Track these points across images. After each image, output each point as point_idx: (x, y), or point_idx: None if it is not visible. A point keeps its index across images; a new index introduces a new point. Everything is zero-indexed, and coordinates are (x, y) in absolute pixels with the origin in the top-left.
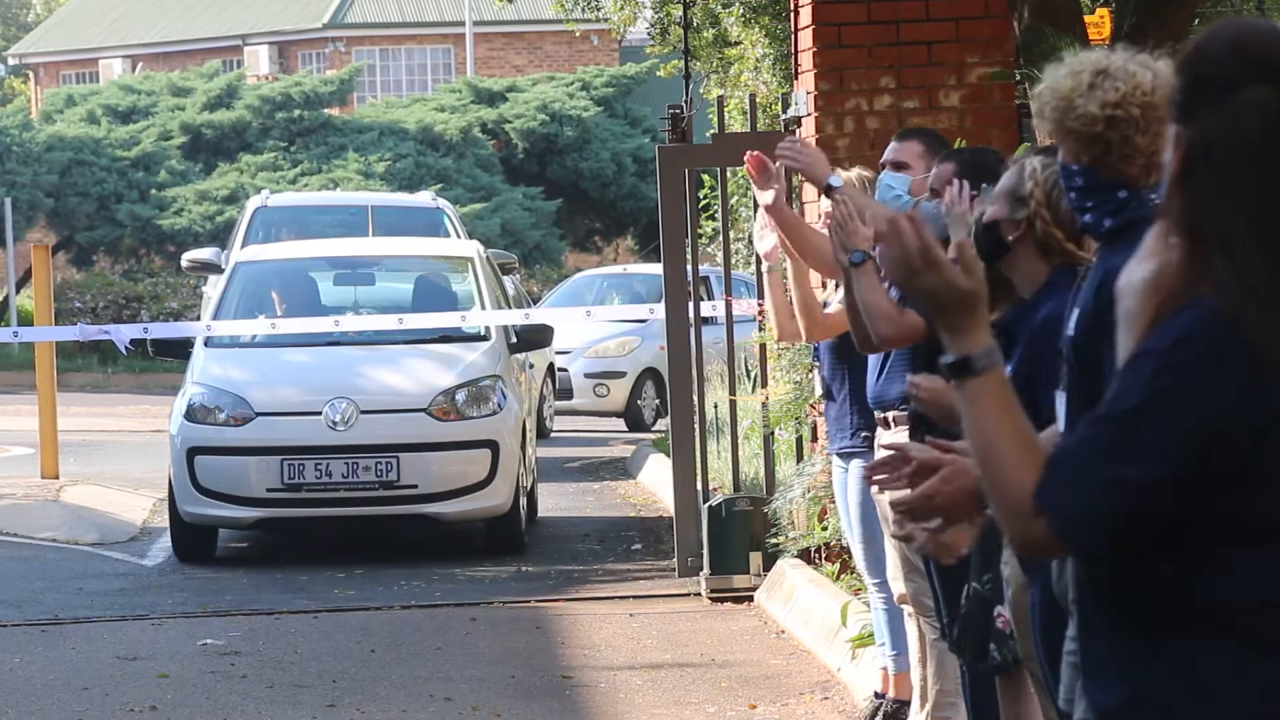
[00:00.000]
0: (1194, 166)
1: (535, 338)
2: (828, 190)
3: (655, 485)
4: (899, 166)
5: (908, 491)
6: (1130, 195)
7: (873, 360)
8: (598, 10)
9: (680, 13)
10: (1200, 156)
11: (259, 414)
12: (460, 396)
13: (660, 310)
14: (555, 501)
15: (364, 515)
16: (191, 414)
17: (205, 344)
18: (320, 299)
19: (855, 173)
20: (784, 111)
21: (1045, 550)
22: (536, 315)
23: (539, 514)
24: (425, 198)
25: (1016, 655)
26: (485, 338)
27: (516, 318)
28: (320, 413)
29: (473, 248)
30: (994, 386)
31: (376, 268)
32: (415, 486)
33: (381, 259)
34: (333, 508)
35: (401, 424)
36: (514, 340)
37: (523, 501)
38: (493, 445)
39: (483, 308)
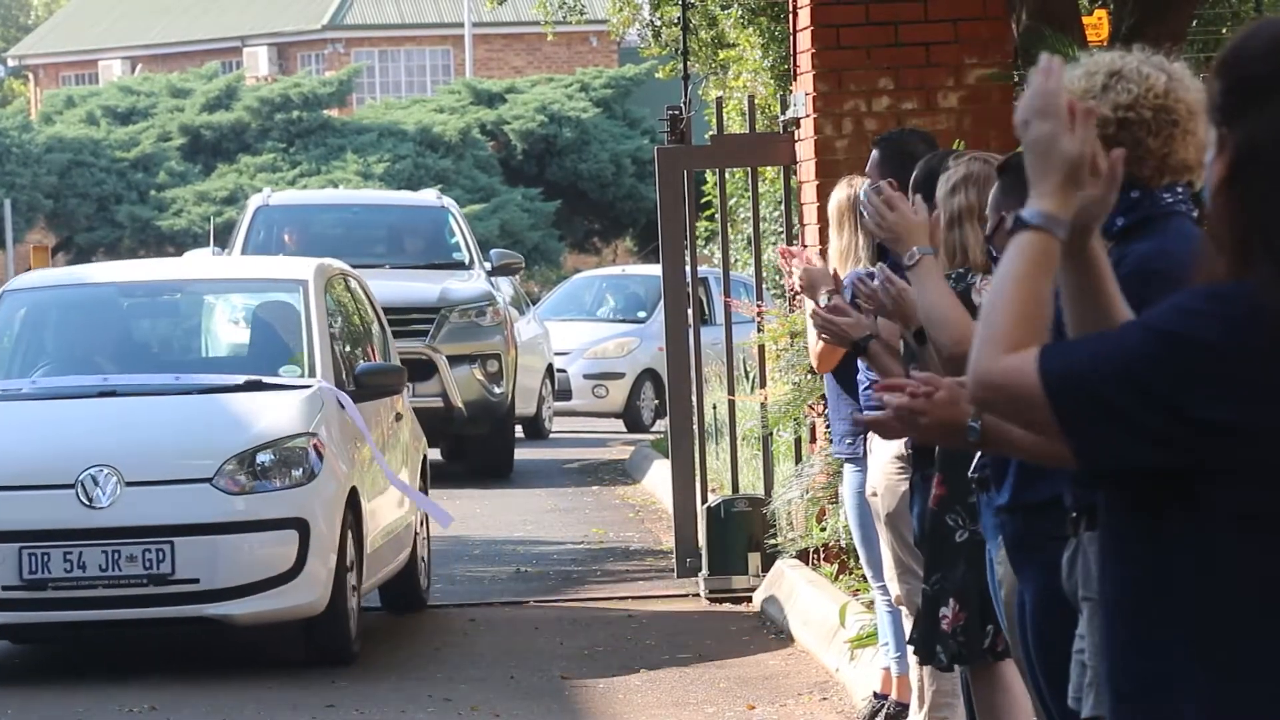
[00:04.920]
0: (1242, 170)
1: (381, 383)
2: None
3: (654, 486)
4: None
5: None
6: (1142, 195)
7: (862, 367)
8: (581, 14)
9: (677, 14)
10: (1249, 159)
11: None
12: (260, 461)
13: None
14: (554, 502)
15: (128, 619)
16: None
17: None
18: (106, 337)
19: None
20: (782, 113)
21: (990, 390)
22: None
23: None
24: (430, 196)
25: (958, 654)
26: (307, 384)
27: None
28: (73, 485)
29: (310, 269)
30: (1037, 246)
31: (179, 295)
32: (195, 581)
33: (186, 284)
34: (87, 610)
35: (178, 499)
36: (354, 386)
37: (352, 597)
38: (301, 525)
39: (310, 347)
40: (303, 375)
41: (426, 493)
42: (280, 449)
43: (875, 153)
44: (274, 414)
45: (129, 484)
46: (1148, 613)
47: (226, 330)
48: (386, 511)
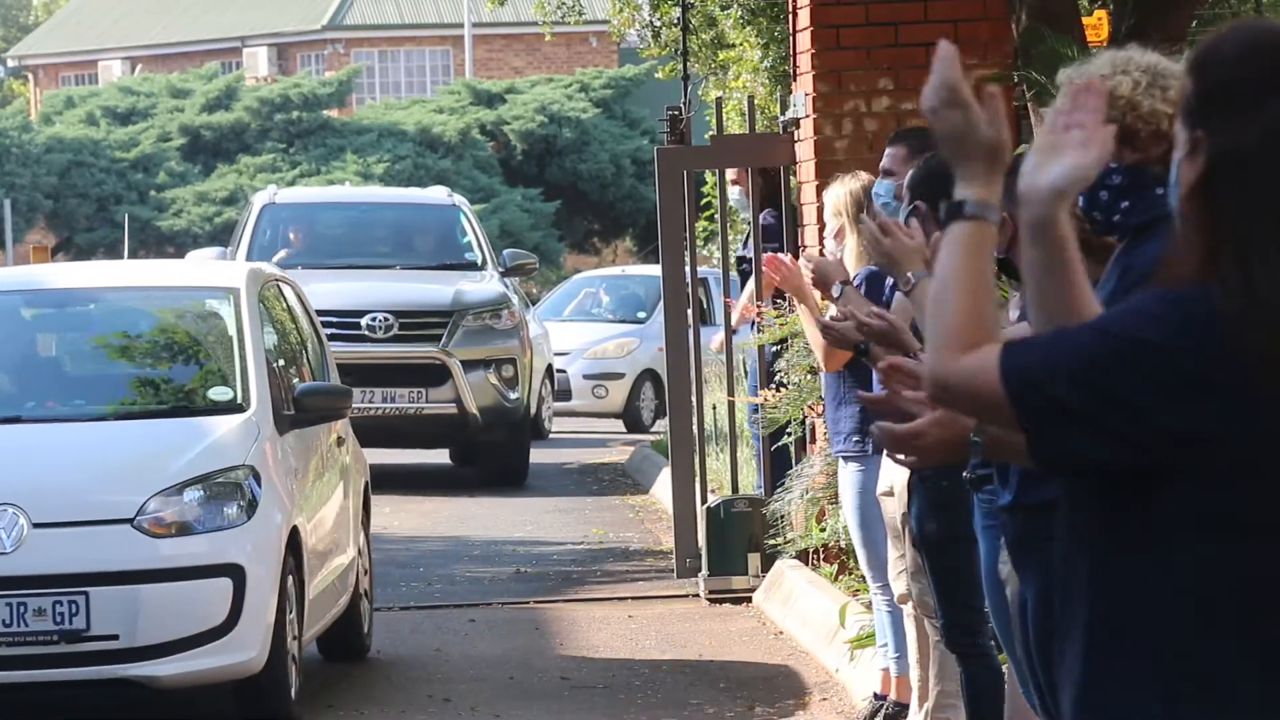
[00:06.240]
0: (1219, 174)
1: (325, 405)
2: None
3: (654, 486)
4: (888, 174)
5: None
6: (1165, 194)
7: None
8: (581, 15)
9: (677, 14)
10: (1228, 165)
11: None
12: (189, 498)
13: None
14: (554, 503)
15: (35, 682)
16: None
17: None
18: (6, 354)
19: (864, 178)
20: (782, 113)
21: (949, 393)
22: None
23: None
24: (440, 194)
25: None
26: (240, 407)
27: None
28: None
29: (242, 275)
30: (974, 235)
31: (93, 305)
32: (114, 638)
33: (100, 293)
34: None
35: (94, 543)
36: (293, 410)
37: (293, 655)
38: (235, 572)
39: (243, 364)
40: (235, 397)
41: (368, 521)
42: (212, 484)
43: (903, 149)
44: (204, 443)
45: (36, 525)
46: (1107, 611)
47: (147, 345)
48: (330, 551)
